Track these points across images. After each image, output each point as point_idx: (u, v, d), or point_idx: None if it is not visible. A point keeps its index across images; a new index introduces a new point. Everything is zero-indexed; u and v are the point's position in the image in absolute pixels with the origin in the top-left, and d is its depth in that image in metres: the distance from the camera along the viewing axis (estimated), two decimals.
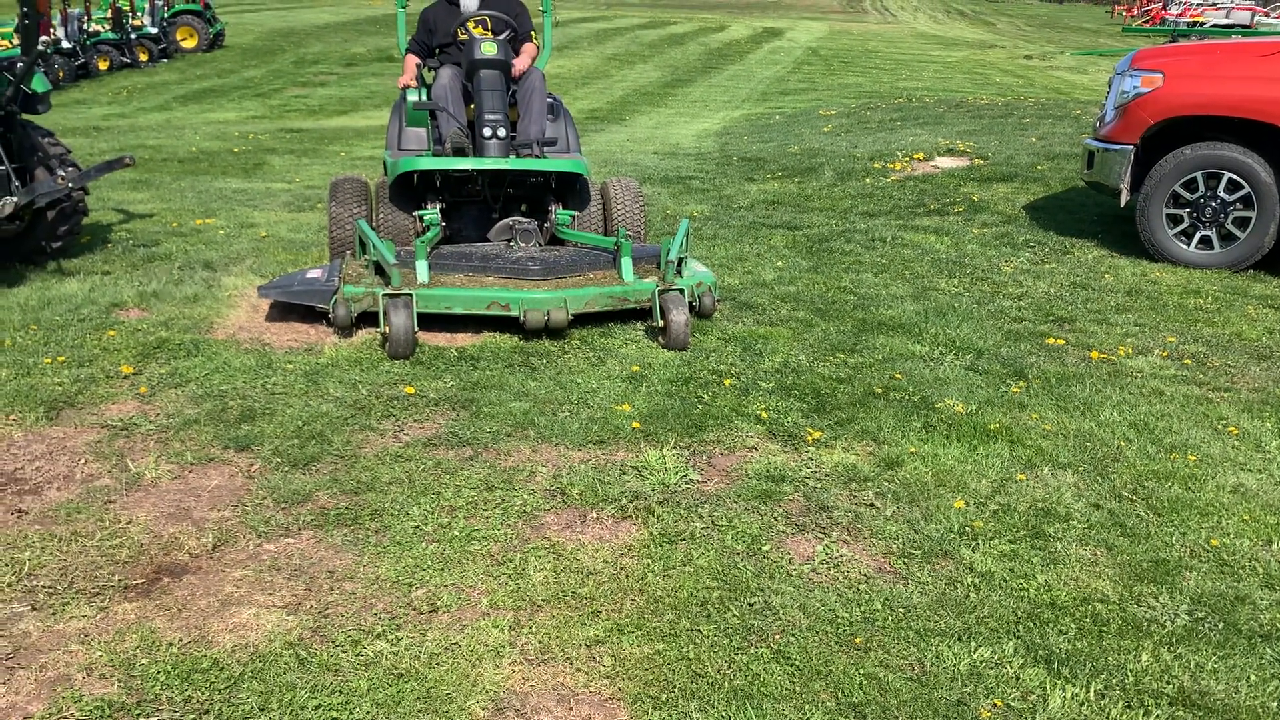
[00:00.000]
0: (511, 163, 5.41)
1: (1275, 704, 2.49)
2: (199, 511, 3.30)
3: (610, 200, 5.95)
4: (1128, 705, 2.48)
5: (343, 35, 28.47)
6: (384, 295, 4.61)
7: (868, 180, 9.55)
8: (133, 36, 22.77)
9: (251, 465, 3.61)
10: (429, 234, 5.29)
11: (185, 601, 2.81)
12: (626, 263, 5.09)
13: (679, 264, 5.18)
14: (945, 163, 10.09)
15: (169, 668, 2.52)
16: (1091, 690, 2.52)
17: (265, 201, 8.46)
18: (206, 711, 2.38)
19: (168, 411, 4.02)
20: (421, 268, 4.87)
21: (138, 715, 2.36)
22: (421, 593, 2.88)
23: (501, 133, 5.47)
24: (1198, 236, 6.64)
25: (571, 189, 5.85)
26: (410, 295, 4.61)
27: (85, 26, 21.41)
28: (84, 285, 5.57)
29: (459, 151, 5.46)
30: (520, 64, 5.92)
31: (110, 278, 5.76)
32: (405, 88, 6.01)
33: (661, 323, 4.83)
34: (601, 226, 5.94)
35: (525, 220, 5.55)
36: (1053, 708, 2.45)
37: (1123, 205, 6.95)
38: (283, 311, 5.32)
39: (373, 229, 5.34)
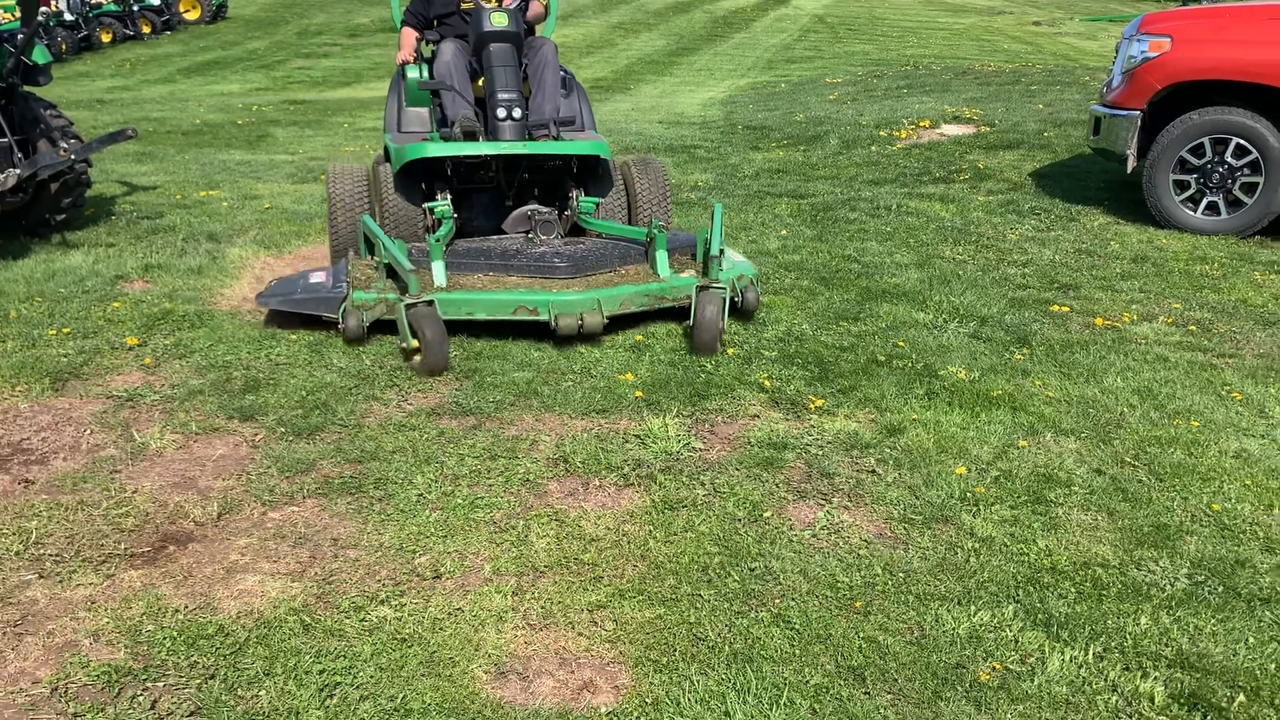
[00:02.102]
0: (530, 146, 4.92)
1: (1273, 666, 2.50)
2: (204, 481, 3.32)
3: (632, 183, 5.49)
4: (1126, 668, 2.49)
5: (346, 6, 28.30)
6: (403, 304, 4.18)
7: (873, 148, 9.49)
8: (135, 8, 22.69)
9: (256, 435, 3.63)
10: (442, 230, 4.82)
11: (191, 569, 2.84)
12: (662, 256, 4.66)
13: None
14: (951, 130, 10.03)
15: (175, 634, 2.55)
16: (1090, 653, 2.53)
17: (269, 173, 8.45)
18: (212, 676, 2.41)
19: (172, 382, 4.04)
20: (438, 269, 4.43)
21: (144, 680, 2.39)
22: (425, 559, 2.90)
23: (517, 113, 4.99)
24: (1204, 202, 6.60)
25: (592, 173, 5.37)
26: (433, 303, 4.16)
27: None
28: (88, 258, 5.58)
29: (469, 135, 4.99)
30: (534, 9, 5.52)
31: (114, 250, 5.77)
32: (404, 64, 5.58)
33: (690, 319, 4.44)
34: (625, 213, 5.46)
35: (544, 210, 5.07)
36: (1051, 670, 2.47)
37: (1129, 171, 6.91)
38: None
39: (378, 224, 5.00)
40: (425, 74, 5.41)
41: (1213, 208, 6.58)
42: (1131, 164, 6.83)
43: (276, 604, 2.68)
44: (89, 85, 16.45)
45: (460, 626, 2.61)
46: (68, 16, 20.18)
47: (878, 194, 7.72)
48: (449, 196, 5.03)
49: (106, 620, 2.59)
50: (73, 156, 5.80)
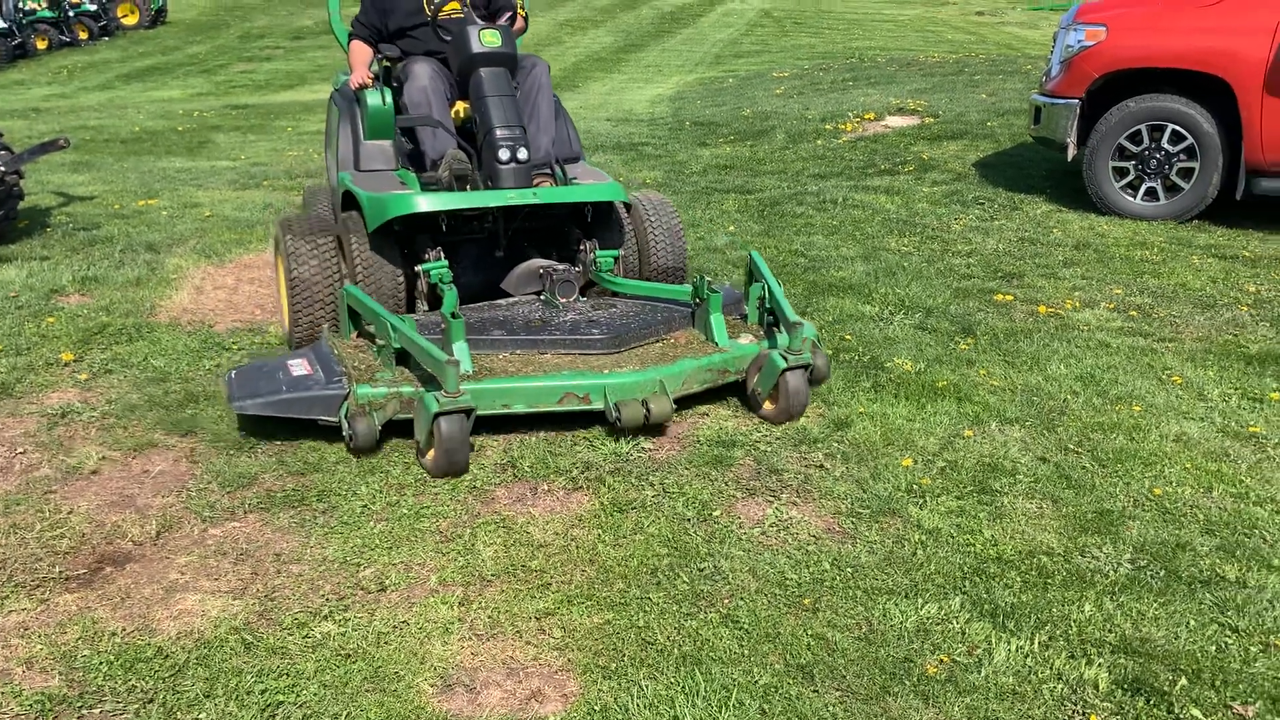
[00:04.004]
0: (542, 195, 4.11)
1: (1214, 648, 2.54)
2: (142, 498, 3.25)
3: (643, 226, 4.66)
4: (1071, 655, 2.51)
5: (289, 8, 27.94)
6: (437, 409, 3.26)
7: (819, 142, 9.54)
8: (71, 14, 22.25)
9: (195, 449, 3.56)
10: (448, 301, 3.95)
11: (128, 590, 2.77)
12: (718, 321, 3.92)
13: (769, 313, 4.02)
14: (896, 122, 10.10)
15: (111, 658, 2.49)
16: (1036, 642, 2.55)
17: (210, 180, 8.32)
18: (150, 700, 2.35)
19: (109, 398, 3.95)
20: (462, 352, 3.59)
21: (79, 708, 2.33)
22: (369, 572, 2.86)
23: (522, 154, 4.15)
24: (1143, 188, 6.69)
25: (601, 219, 4.54)
26: (472, 406, 3.33)
27: (21, 5, 20.87)
28: (21, 271, 5.45)
29: (460, 179, 4.19)
30: (516, 23, 4.80)
31: (49, 263, 5.64)
32: (361, 88, 4.58)
33: (762, 389, 3.76)
34: (635, 263, 4.67)
35: (559, 266, 4.25)
36: (998, 661, 2.48)
37: (1070, 159, 6.99)
38: (229, 294, 5.24)
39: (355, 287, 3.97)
40: (388, 98, 4.51)
41: (1151, 193, 6.68)
42: (1072, 152, 6.91)
43: (217, 623, 2.62)
44: (24, 94, 16.09)
45: (406, 640, 2.57)
46: (1, 24, 19.73)
47: (824, 187, 7.76)
48: (442, 255, 4.16)
49: (40, 647, 2.52)
50: (2, 167, 5.66)
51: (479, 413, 3.41)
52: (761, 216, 6.91)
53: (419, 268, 4.12)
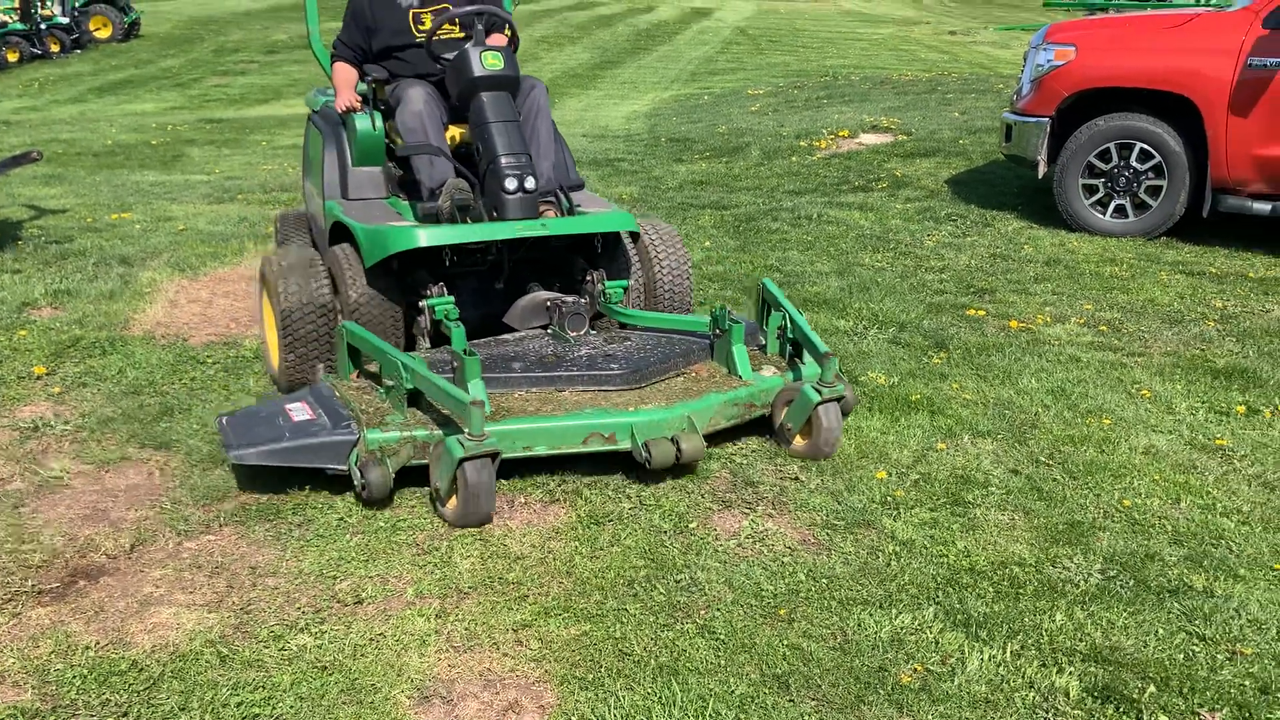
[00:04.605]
0: (555, 226, 3.91)
1: (1182, 656, 2.58)
2: (116, 512, 3.23)
3: (649, 254, 4.43)
4: (1043, 664, 2.54)
5: (263, 22, 27.87)
6: (460, 454, 3.05)
7: (794, 159, 9.61)
8: (42, 27, 22.09)
9: (170, 463, 3.54)
10: (456, 338, 3.71)
11: (102, 604, 2.76)
12: (741, 352, 3.75)
13: (791, 343, 3.89)
14: (870, 139, 10.19)
15: (85, 671, 2.47)
16: (1008, 651, 2.58)
17: (184, 194, 8.28)
18: (125, 714, 2.34)
19: (82, 411, 3.93)
20: (479, 391, 3.38)
21: None
22: (346, 585, 2.85)
23: (530, 184, 3.93)
24: (1113, 206, 6.79)
25: (609, 248, 4.32)
26: (498, 450, 3.13)
27: None
28: None
29: (462, 210, 3.98)
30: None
31: (21, 276, 5.60)
32: (348, 112, 4.41)
33: (793, 424, 3.60)
34: (640, 293, 4.45)
35: (567, 298, 4.03)
36: (970, 670, 2.51)
37: (1040, 177, 7.08)
38: (203, 308, 5.22)
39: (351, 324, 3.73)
40: (378, 123, 4.34)
41: (1120, 210, 6.78)
42: (1042, 169, 7.00)
43: (192, 636, 2.61)
44: None
45: (382, 652, 2.57)
46: None
47: (799, 204, 7.82)
48: (444, 290, 3.96)
49: (12, 661, 2.51)
50: None
51: (505, 455, 3.23)
52: (737, 232, 6.96)
53: (423, 303, 3.88)
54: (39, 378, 4.22)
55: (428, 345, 3.92)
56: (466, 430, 3.08)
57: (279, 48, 23.80)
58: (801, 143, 10.16)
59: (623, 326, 4.17)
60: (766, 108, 13.42)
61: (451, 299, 3.88)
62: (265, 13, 30.18)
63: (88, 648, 2.57)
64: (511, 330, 4.14)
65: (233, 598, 2.79)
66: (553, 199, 4.15)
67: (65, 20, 22.97)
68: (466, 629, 2.67)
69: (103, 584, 2.85)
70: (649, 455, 3.32)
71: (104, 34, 24.35)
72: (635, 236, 4.41)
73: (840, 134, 10.37)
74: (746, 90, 15.92)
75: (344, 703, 2.39)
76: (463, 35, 4.35)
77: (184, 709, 2.36)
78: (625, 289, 4.20)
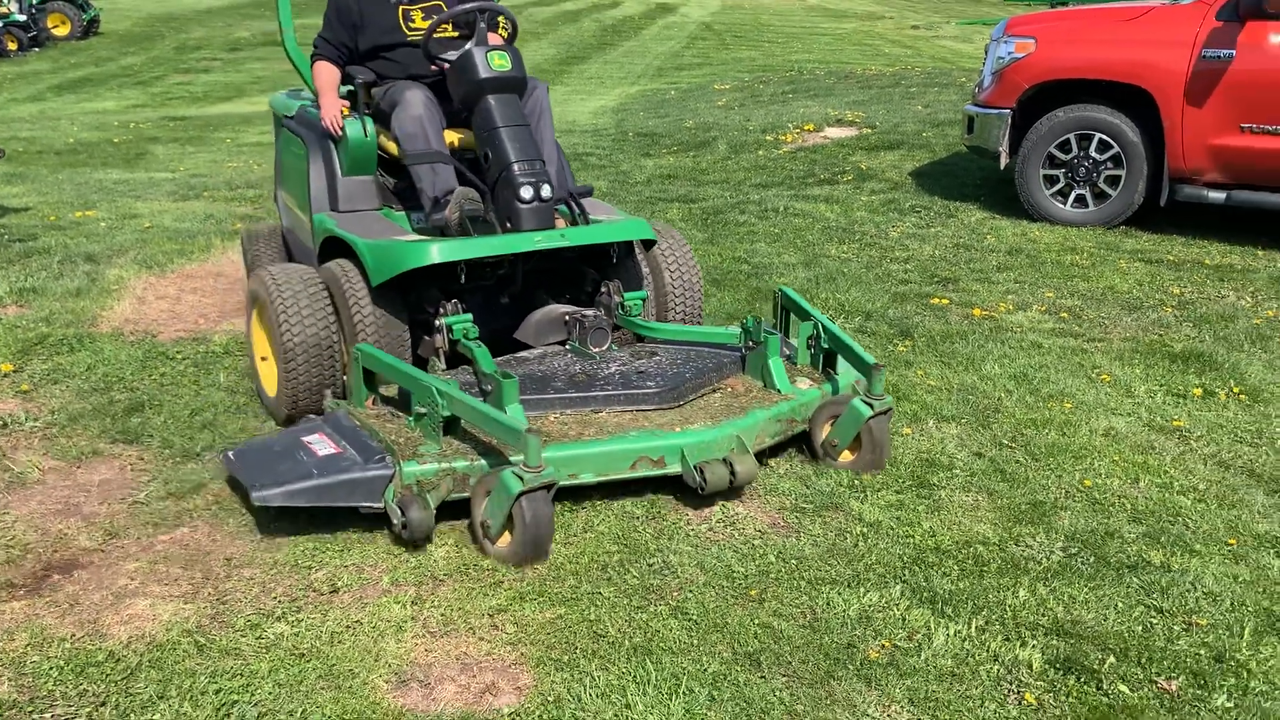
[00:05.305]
0: (574, 236, 3.73)
1: (1140, 628, 2.66)
2: (89, 506, 3.23)
3: (658, 263, 4.23)
4: (1006, 638, 2.61)
5: (225, 19, 27.62)
6: (519, 488, 2.81)
7: (760, 153, 9.68)
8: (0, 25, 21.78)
9: (142, 458, 3.54)
10: (481, 359, 3.45)
11: (77, 597, 2.76)
12: (778, 365, 3.60)
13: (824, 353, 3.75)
14: (835, 133, 10.29)
15: (61, 663, 2.48)
16: (973, 626, 2.65)
17: (148, 191, 8.22)
18: (103, 703, 2.36)
19: (52, 408, 3.91)
20: (519, 416, 3.19)
21: (30, 713, 2.32)
22: (322, 574, 2.88)
23: (546, 192, 3.73)
24: (1073, 195, 6.91)
25: (623, 257, 4.11)
26: (555, 480, 2.91)
27: None
28: None
29: (472, 221, 3.77)
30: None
31: None
32: (340, 119, 4.05)
33: (840, 440, 3.45)
34: (650, 303, 4.21)
35: (587, 312, 3.86)
36: (936, 645, 2.58)
37: (1002, 168, 7.19)
38: (172, 304, 5.21)
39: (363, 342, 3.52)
40: (370, 129, 4.04)
41: (1081, 200, 6.90)
42: (1004, 160, 7.11)
43: (169, 626, 2.63)
44: None
45: (359, 638, 2.60)
46: None
47: (765, 197, 7.89)
48: (460, 308, 3.69)
49: None
50: None
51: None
52: (705, 225, 7.02)
53: (440, 321, 3.63)
54: (6, 375, 4.20)
55: (443, 367, 3.62)
56: (522, 460, 2.84)
57: (242, 45, 23.59)
58: (768, 137, 10.24)
59: (638, 339, 3.96)
60: (733, 102, 13.49)
61: (469, 316, 3.65)
62: (227, 10, 29.90)
63: (64, 640, 2.57)
64: (524, 347, 3.93)
65: (208, 588, 2.81)
66: (561, 207, 3.93)
67: (22, 18, 22.67)
68: (443, 615, 2.70)
69: (77, 577, 2.86)
70: (703, 480, 3.12)
71: (62, 31, 24.04)
72: (648, 245, 4.21)
73: (806, 128, 10.46)
74: (713, 85, 15.99)
75: (322, 688, 2.41)
76: (457, 34, 4.13)
77: (162, 697, 2.37)
78: (644, 299, 3.98)
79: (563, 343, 3.89)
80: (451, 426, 3.18)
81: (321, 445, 3.16)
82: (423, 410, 3.18)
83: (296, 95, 4.75)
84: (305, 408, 3.64)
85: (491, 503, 2.91)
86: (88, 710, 2.33)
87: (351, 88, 4.17)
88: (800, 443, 3.62)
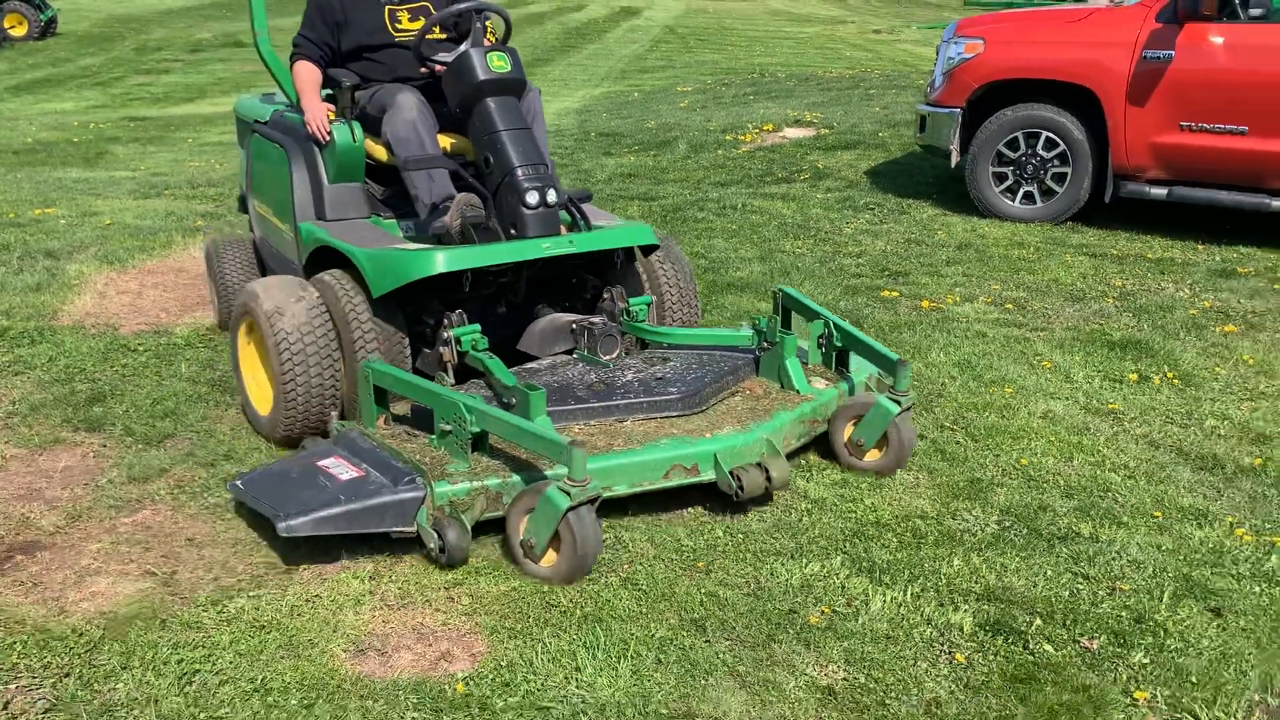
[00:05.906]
0: (582, 242, 3.65)
1: (1067, 594, 2.79)
2: (51, 491, 3.29)
3: (653, 267, 4.13)
4: (940, 604, 2.74)
5: (187, 20, 27.42)
6: (568, 504, 2.72)
7: (720, 152, 9.82)
8: None
9: (104, 445, 3.60)
10: (494, 369, 3.32)
11: (39, 576, 2.83)
12: (795, 365, 3.58)
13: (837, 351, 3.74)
14: (793, 133, 10.45)
15: (25, 638, 2.55)
16: (909, 593, 2.78)
17: (109, 190, 8.22)
18: (67, 675, 2.43)
19: (13, 398, 3.96)
20: (548, 427, 3.05)
21: None
22: (282, 553, 2.95)
23: (552, 196, 3.63)
24: (1021, 192, 7.09)
25: (613, 263, 4.01)
26: (600, 493, 2.81)
27: None
28: None
29: (475, 228, 3.63)
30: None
31: None
32: (327, 124, 3.86)
33: (866, 439, 3.43)
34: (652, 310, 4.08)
35: (594, 320, 3.78)
36: (874, 610, 2.70)
37: (953, 166, 7.36)
38: (133, 298, 5.24)
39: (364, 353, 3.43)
40: (358, 134, 3.85)
41: (1029, 197, 7.08)
42: (955, 158, 7.28)
43: (131, 603, 2.70)
44: None
45: (318, 611, 2.69)
46: None
47: (724, 194, 8.02)
48: (465, 319, 3.55)
49: None
50: None
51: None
52: (665, 222, 7.13)
53: (448, 333, 3.49)
54: None
55: (451, 380, 3.49)
56: (566, 475, 2.77)
57: (203, 46, 23.45)
58: (728, 137, 10.38)
59: (643, 345, 3.88)
60: (695, 104, 13.63)
61: (477, 327, 3.51)
62: (189, 11, 29.67)
63: (27, 617, 2.64)
64: (525, 357, 3.83)
65: (170, 567, 2.88)
66: (561, 213, 3.78)
67: None
68: (400, 589, 2.79)
69: (40, 558, 2.92)
70: (740, 486, 3.08)
71: (19, 32, 23.77)
72: (647, 250, 4.11)
73: (765, 128, 10.61)
74: (676, 87, 16.13)
75: (282, 657, 2.50)
76: (444, 36, 4.06)
77: (125, 668, 2.45)
78: (649, 304, 3.91)
79: (569, 352, 3.80)
80: (478, 443, 3.07)
81: (341, 469, 3.02)
82: (448, 427, 3.05)
83: (269, 99, 4.61)
84: (305, 428, 3.49)
85: (535, 520, 2.80)
86: (52, 681, 2.40)
87: (330, 90, 4.03)
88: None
